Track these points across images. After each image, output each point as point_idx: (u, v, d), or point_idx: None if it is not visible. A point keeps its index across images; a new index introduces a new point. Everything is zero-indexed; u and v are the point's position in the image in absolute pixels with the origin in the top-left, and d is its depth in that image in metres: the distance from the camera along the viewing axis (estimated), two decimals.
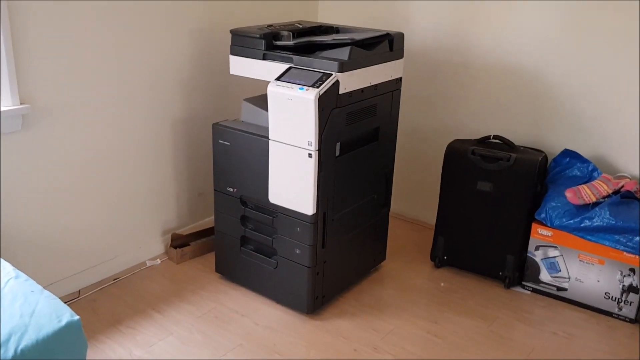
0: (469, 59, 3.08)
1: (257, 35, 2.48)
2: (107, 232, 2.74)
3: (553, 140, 2.91)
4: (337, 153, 2.41)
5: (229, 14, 2.97)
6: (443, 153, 2.94)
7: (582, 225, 2.57)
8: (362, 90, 2.43)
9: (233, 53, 2.57)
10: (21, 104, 2.27)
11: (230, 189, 2.63)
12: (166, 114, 2.86)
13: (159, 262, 2.94)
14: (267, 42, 2.47)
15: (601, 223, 2.52)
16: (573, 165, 2.77)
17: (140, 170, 2.81)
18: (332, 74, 2.27)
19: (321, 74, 2.29)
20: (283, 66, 2.40)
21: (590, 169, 2.73)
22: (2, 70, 2.19)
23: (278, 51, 2.46)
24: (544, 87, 2.90)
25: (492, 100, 3.08)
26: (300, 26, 2.69)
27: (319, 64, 2.33)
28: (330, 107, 2.29)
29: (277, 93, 2.32)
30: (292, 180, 2.39)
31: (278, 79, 2.35)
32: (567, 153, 2.80)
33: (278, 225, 2.52)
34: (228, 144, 2.56)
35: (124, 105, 2.65)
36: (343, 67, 2.29)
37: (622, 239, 2.51)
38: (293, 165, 2.36)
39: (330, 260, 2.55)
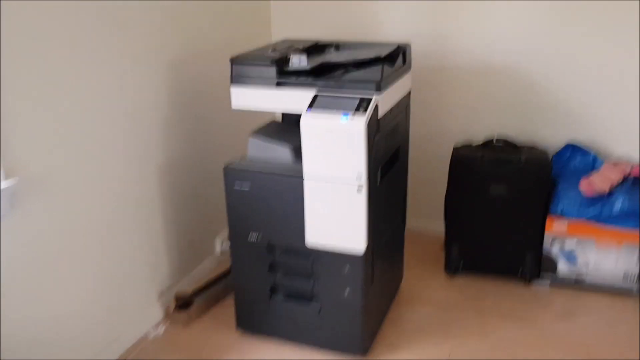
0: (450, 61, 3.02)
1: (268, 62, 2.20)
2: (105, 313, 2.31)
3: (545, 135, 2.96)
4: (378, 181, 2.22)
5: (187, 42, 2.63)
6: (438, 160, 2.87)
7: (603, 213, 2.62)
8: (390, 110, 2.26)
9: (236, 84, 2.27)
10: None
11: (254, 237, 2.33)
12: (150, 161, 2.47)
13: (162, 330, 2.56)
14: (279, 68, 2.21)
15: (621, 209, 2.59)
16: (575, 158, 2.83)
17: (129, 233, 2.40)
18: (371, 98, 2.08)
19: (358, 99, 2.08)
20: (303, 94, 2.15)
21: (591, 159, 2.81)
22: None
23: (292, 77, 2.21)
24: (529, 83, 2.92)
25: (480, 101, 3.05)
26: (301, 46, 2.44)
27: (351, 87, 2.12)
28: (373, 133, 2.09)
29: (315, 125, 2.07)
30: (337, 218, 2.16)
31: (309, 109, 2.11)
32: (568, 147, 2.86)
33: (319, 267, 2.28)
34: (247, 189, 2.26)
35: (105, 160, 2.23)
36: (380, 88, 2.10)
37: None
38: (338, 202, 2.13)
39: (372, 293, 2.37)
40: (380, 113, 2.12)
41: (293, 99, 2.19)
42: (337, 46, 2.53)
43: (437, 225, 3.09)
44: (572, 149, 2.85)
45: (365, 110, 2.04)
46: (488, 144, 2.84)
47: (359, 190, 2.10)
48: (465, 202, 2.83)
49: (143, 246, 2.50)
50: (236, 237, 2.37)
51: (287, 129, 2.49)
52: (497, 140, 2.83)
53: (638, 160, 2.80)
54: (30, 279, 1.95)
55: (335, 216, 2.17)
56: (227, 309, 2.68)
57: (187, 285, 2.77)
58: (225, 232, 3.00)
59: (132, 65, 2.30)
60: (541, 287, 2.83)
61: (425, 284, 2.87)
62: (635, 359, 2.33)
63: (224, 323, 2.59)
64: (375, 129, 2.10)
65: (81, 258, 2.16)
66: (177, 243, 2.69)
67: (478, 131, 3.04)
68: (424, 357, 2.36)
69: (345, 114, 2.04)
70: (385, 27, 3.08)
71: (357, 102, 2.08)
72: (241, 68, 2.25)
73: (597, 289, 2.77)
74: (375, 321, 2.47)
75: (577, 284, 2.79)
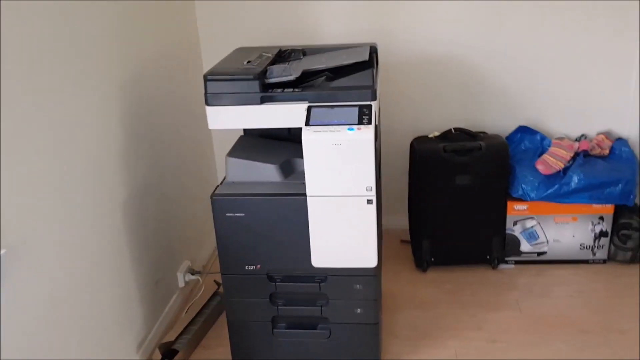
0: (394, 57, 2.98)
1: (250, 76, 2.00)
2: None
3: (493, 121, 3.04)
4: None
5: (120, 54, 2.31)
6: (390, 156, 2.85)
7: (561, 191, 2.76)
8: (377, 114, 2.17)
9: (212, 104, 2.03)
10: None
11: (250, 267, 2.13)
12: (114, 201, 2.15)
13: None
14: (261, 82, 2.02)
15: (577, 185, 2.74)
16: (524, 139, 2.94)
17: (105, 284, 2.08)
18: (370, 105, 1.98)
19: (357, 108, 1.97)
20: (292, 108, 2.00)
21: (539, 138, 2.93)
22: None
23: (277, 90, 2.03)
24: (472, 73, 2.99)
25: (428, 94, 3.07)
26: (269, 54, 2.26)
27: (345, 96, 2.00)
28: (376, 143, 1.99)
29: (319, 140, 1.92)
30: (346, 234, 2.04)
31: (307, 123, 1.95)
32: (519, 129, 2.96)
33: (328, 290, 2.14)
34: (242, 215, 2.06)
35: (71, 211, 1.89)
36: (375, 94, 2.01)
37: (594, 194, 2.76)
38: (346, 218, 2.01)
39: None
40: (378, 120, 2.03)
41: (281, 114, 2.01)
42: (304, 52, 2.38)
43: (390, 220, 3.07)
44: (521, 131, 2.96)
45: (370, 119, 1.93)
46: (446, 135, 2.86)
47: (369, 202, 2.00)
48: (432, 195, 2.83)
49: (118, 297, 2.18)
50: (229, 269, 2.15)
51: (260, 143, 2.32)
52: (455, 129, 2.85)
53: (578, 137, 2.98)
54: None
55: (343, 233, 2.04)
56: (211, 350, 2.46)
57: (164, 331, 2.50)
58: (186, 264, 2.75)
59: (78, 94, 1.97)
60: (507, 268, 2.93)
61: (402, 285, 2.84)
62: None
63: None
64: (376, 137, 2.00)
65: (66, 321, 1.83)
66: (145, 285, 2.39)
67: (428, 124, 3.05)
68: None
69: (351, 128, 1.92)
70: (324, 28, 2.97)
71: (356, 111, 1.97)
72: (218, 85, 2.01)
73: (557, 262, 2.92)
74: None
75: (540, 260, 2.92)
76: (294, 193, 2.03)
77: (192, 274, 2.79)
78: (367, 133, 1.91)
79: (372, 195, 1.98)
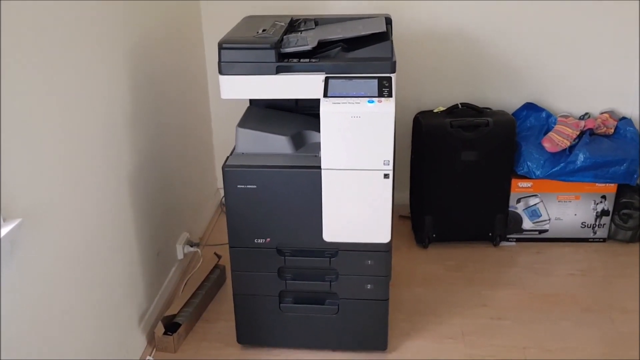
0: (398, 32, 2.90)
1: (267, 45, 1.92)
2: (91, 350, 1.92)
3: (499, 97, 3.00)
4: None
5: (126, 21, 2.19)
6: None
7: (567, 169, 2.74)
8: None
9: (225, 73, 1.95)
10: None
11: (260, 241, 2.08)
12: (121, 171, 2.07)
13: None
14: (277, 51, 1.94)
15: (583, 164, 2.73)
16: (530, 116, 2.91)
17: (111, 255, 2.01)
18: (390, 77, 1.92)
19: (376, 80, 1.91)
20: (309, 78, 1.93)
21: (545, 115, 2.90)
22: None
23: (294, 60, 1.96)
24: (477, 48, 2.93)
25: (432, 69, 3.01)
26: (282, 23, 2.17)
27: (364, 67, 1.93)
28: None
29: (338, 113, 1.86)
30: (360, 209, 2.00)
31: (326, 95, 1.89)
32: (525, 106, 2.93)
33: (338, 265, 2.10)
34: (254, 187, 2.00)
35: (80, 179, 1.80)
36: (395, 67, 1.95)
37: (599, 173, 2.76)
38: (362, 192, 1.97)
39: None
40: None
41: (297, 85, 1.95)
42: (316, 21, 2.30)
43: None
44: (527, 108, 2.93)
45: (390, 92, 1.88)
46: (452, 110, 2.81)
47: (385, 177, 1.95)
48: (436, 171, 2.79)
49: (122, 267, 2.11)
50: (238, 242, 2.09)
51: (270, 114, 2.25)
52: (462, 104, 2.81)
53: (582, 115, 2.96)
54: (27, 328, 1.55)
55: (357, 207, 2.00)
56: (213, 324, 2.42)
57: (164, 304, 2.45)
58: (185, 236, 2.69)
59: (85, 60, 1.86)
60: (508, 245, 2.92)
61: (403, 261, 2.81)
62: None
63: (218, 339, 2.32)
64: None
65: (69, 293, 1.76)
66: (148, 257, 2.33)
67: (431, 99, 3.00)
68: (439, 340, 2.31)
69: (371, 100, 1.86)
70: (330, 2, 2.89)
71: (375, 83, 1.91)
72: (232, 54, 1.93)
73: (558, 239, 2.92)
74: None
75: (541, 237, 2.92)
76: (308, 166, 1.97)
77: (191, 246, 2.73)
78: (388, 106, 1.85)
79: (389, 169, 1.93)
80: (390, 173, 1.94)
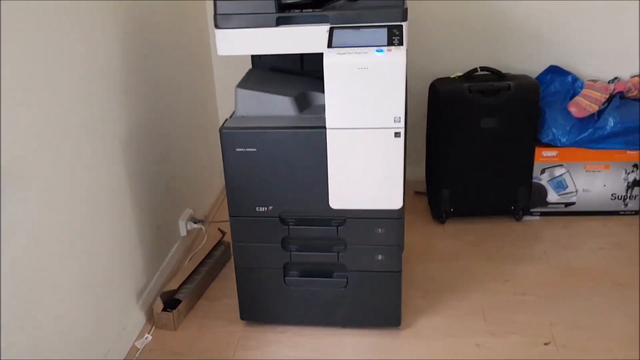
0: None
1: None
2: (87, 326, 1.80)
3: (520, 61, 2.81)
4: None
5: None
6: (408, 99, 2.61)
7: (595, 136, 2.55)
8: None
9: (221, 26, 1.80)
10: None
11: (262, 209, 1.93)
12: (112, 137, 1.94)
13: (150, 337, 2.09)
14: (278, 1, 1.78)
15: (613, 129, 2.53)
16: (554, 80, 2.71)
17: (104, 226, 1.88)
18: (401, 25, 1.75)
19: (386, 29, 1.74)
20: (313, 30, 1.77)
21: (570, 79, 2.70)
22: None
23: (295, 11, 1.80)
24: (497, 11, 2.74)
25: (449, 33, 2.84)
26: None
27: (371, 16, 1.76)
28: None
29: (343, 64, 1.70)
30: (369, 172, 1.83)
31: (330, 45, 1.73)
32: (550, 69, 2.73)
33: (347, 234, 1.94)
34: (254, 150, 1.84)
35: (69, 141, 1.68)
36: (405, 15, 1.78)
37: (630, 139, 2.56)
38: (371, 153, 1.80)
39: None
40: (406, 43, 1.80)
41: (299, 37, 1.79)
42: None
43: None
44: (552, 72, 2.73)
45: (401, 40, 1.71)
46: (471, 75, 2.63)
47: (396, 135, 1.78)
48: (454, 141, 2.61)
49: (118, 240, 1.99)
50: (238, 210, 1.94)
51: (273, 76, 2.10)
52: (481, 68, 2.62)
53: (611, 79, 2.75)
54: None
55: (366, 170, 1.83)
56: (216, 301, 2.29)
57: (165, 281, 2.31)
58: (188, 212, 2.55)
59: (74, 19, 1.73)
60: (532, 220, 2.74)
61: (420, 236, 2.65)
62: None
63: (220, 317, 2.18)
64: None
65: (63, 259, 1.63)
66: (147, 232, 2.19)
67: (448, 66, 2.82)
68: (458, 316, 2.14)
69: (380, 49, 1.70)
70: None
71: (384, 32, 1.74)
72: (228, 5, 1.78)
73: (586, 213, 2.73)
74: None
75: (568, 211, 2.73)
76: (311, 126, 1.81)
77: (195, 223, 2.59)
78: (398, 55, 1.68)
79: (401, 127, 1.76)
80: (402, 131, 1.77)
